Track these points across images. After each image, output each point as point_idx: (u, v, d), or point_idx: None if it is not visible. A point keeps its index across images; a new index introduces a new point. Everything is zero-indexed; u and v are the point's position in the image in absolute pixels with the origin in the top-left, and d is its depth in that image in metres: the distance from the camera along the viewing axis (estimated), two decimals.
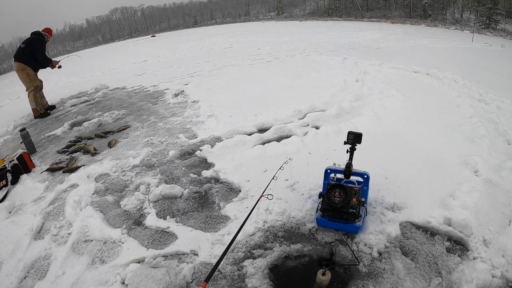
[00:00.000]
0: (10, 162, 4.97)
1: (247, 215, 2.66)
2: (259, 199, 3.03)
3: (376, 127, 5.19)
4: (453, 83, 7.66)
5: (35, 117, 8.73)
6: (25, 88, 8.63)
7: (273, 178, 3.35)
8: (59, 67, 8.94)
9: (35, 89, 8.57)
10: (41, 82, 8.74)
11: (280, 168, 3.51)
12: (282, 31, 29.16)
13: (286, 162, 3.62)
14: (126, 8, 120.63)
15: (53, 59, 8.84)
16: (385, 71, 8.98)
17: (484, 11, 36.87)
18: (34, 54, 8.29)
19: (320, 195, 3.16)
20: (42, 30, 8.72)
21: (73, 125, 7.38)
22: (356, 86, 7.50)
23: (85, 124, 7.19)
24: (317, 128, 5.29)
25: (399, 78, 8.20)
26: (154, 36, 67.96)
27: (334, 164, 3.58)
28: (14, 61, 8.31)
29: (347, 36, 20.37)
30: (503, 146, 4.73)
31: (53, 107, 9.22)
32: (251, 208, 2.82)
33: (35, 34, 8.54)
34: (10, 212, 4.23)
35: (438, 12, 43.96)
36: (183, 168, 4.56)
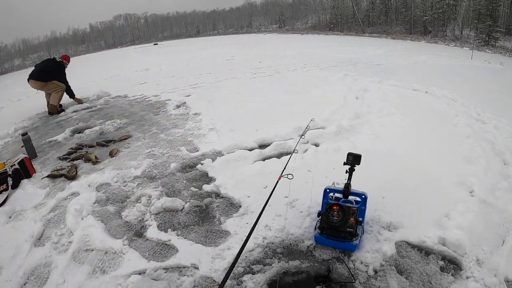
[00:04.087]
0: (12, 166, 4.97)
1: (266, 200, 2.78)
2: (278, 181, 3.07)
3: (375, 146, 5.26)
4: (452, 102, 7.74)
5: (50, 113, 9.30)
6: (53, 90, 9.31)
7: (293, 151, 3.51)
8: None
9: (63, 91, 9.38)
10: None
11: (302, 137, 3.65)
12: (284, 45, 29.30)
13: (308, 128, 3.66)
14: (129, 15, 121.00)
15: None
16: (385, 89, 9.06)
17: (483, 28, 37.12)
18: (56, 77, 9.26)
19: (319, 214, 3.23)
20: (61, 57, 9.61)
21: (74, 132, 7.41)
22: (355, 103, 7.57)
23: (87, 131, 7.22)
24: (316, 145, 5.37)
25: (398, 96, 8.28)
26: (157, 44, 68.00)
27: (333, 183, 3.66)
28: (36, 80, 9.11)
29: (347, 51, 20.48)
30: (498, 166, 4.82)
31: (62, 110, 9.53)
32: (271, 191, 2.91)
33: (54, 61, 9.50)
34: (10, 217, 4.25)
35: (438, 29, 44.21)
36: (184, 181, 4.61)
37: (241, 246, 2.14)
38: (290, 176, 3.04)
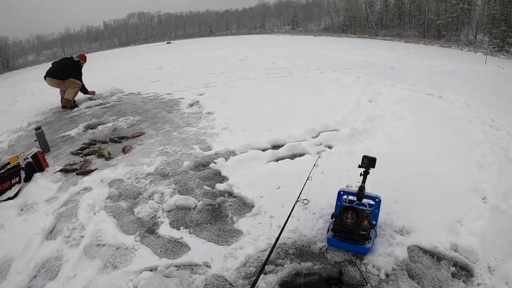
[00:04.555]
0: (25, 159, 5.04)
1: (283, 223, 2.81)
2: (294, 205, 3.09)
3: (388, 150, 5.22)
4: (465, 107, 7.65)
5: (64, 107, 9.53)
6: (69, 87, 9.60)
7: (308, 179, 3.43)
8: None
9: (79, 87, 9.69)
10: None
11: (314, 165, 3.59)
12: (297, 46, 29.21)
13: (320, 156, 3.68)
14: (143, 13, 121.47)
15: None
16: (398, 92, 8.99)
17: (498, 33, 36.61)
18: (72, 76, 9.57)
19: (333, 216, 3.22)
20: (78, 56, 9.97)
21: (87, 128, 7.50)
22: (369, 106, 7.53)
23: (100, 127, 7.30)
24: (330, 147, 5.34)
25: (411, 100, 8.22)
26: (170, 43, 68.34)
27: (347, 186, 3.65)
28: (53, 78, 9.44)
29: (361, 54, 20.35)
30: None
31: (76, 106, 9.68)
32: (288, 214, 2.94)
33: (72, 60, 9.86)
34: (22, 210, 4.31)
35: (452, 33, 43.74)
36: (197, 180, 4.63)
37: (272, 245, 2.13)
38: (305, 201, 3.17)
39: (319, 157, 3.73)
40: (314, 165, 3.61)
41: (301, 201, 3.12)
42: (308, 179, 3.43)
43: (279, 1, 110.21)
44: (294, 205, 3.10)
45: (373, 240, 3.13)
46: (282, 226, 2.78)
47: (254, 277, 2.27)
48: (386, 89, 9.28)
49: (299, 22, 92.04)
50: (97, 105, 9.55)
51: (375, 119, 6.59)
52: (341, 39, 44.07)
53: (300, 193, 3.26)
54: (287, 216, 2.94)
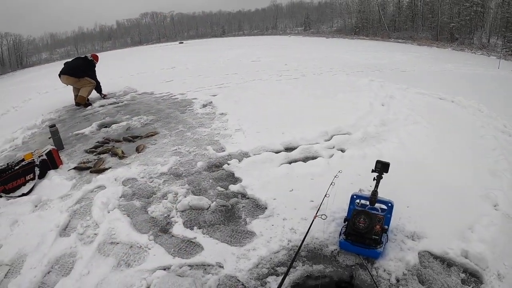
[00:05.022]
0: (39, 157, 5.13)
1: (303, 237, 2.90)
2: (313, 220, 3.13)
3: (401, 154, 5.20)
4: (478, 113, 7.58)
5: (78, 104, 9.72)
6: (84, 85, 9.83)
7: (325, 196, 3.44)
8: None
9: (93, 86, 9.93)
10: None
11: (331, 184, 3.59)
12: (309, 47, 29.20)
13: (337, 176, 3.70)
14: (156, 13, 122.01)
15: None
16: (411, 96, 8.93)
17: (511, 37, 36.19)
18: (87, 75, 9.83)
19: (345, 220, 3.24)
20: (91, 56, 10.24)
21: (101, 126, 7.60)
22: (382, 110, 7.49)
23: (114, 126, 7.38)
24: (342, 151, 5.33)
25: (424, 105, 8.16)
26: (182, 43, 68.68)
27: (360, 190, 3.66)
28: (70, 76, 9.64)
29: (373, 57, 20.26)
30: None
31: (89, 104, 9.84)
32: (307, 229, 3.03)
33: (86, 59, 10.12)
34: (36, 206, 4.39)
35: (465, 36, 43.32)
36: (210, 181, 4.66)
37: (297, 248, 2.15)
38: (323, 217, 3.15)
39: (335, 176, 3.73)
40: (331, 184, 3.61)
41: (320, 216, 3.14)
42: (325, 196, 3.45)
43: (292, 2, 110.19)
44: (313, 221, 3.13)
45: (385, 245, 3.14)
46: (303, 237, 2.88)
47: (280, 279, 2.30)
48: (399, 92, 9.23)
49: (311, 23, 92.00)
50: (111, 104, 9.64)
51: (388, 123, 6.56)
52: (353, 41, 43.91)
53: (318, 209, 3.29)
54: (306, 231, 3.01)
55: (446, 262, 3.11)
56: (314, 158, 5.15)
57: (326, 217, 3.15)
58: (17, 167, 4.90)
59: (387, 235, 3.19)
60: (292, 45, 34.16)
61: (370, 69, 14.12)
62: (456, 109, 7.98)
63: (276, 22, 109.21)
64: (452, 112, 7.69)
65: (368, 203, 3.30)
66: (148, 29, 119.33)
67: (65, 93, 11.04)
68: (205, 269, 3.11)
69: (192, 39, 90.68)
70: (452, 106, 8.23)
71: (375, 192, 3.26)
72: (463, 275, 2.98)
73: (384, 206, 3.26)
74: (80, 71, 9.68)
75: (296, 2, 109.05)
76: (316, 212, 3.22)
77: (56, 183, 4.93)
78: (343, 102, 8.14)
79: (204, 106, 8.50)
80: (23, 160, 5.07)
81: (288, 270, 2.41)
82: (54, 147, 5.63)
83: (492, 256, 3.10)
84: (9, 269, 3.36)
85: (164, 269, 3.12)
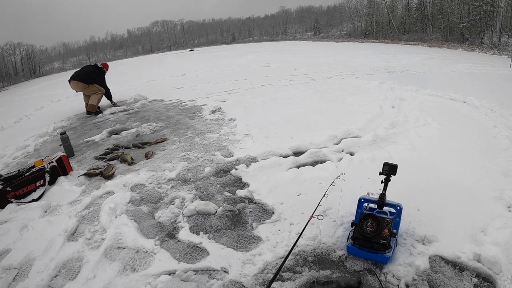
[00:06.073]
0: (49, 163, 5.19)
1: (297, 236, 2.84)
2: (308, 220, 3.09)
3: (411, 156, 5.13)
4: (490, 113, 7.47)
5: (89, 112, 9.85)
6: (94, 93, 9.96)
7: (324, 195, 3.42)
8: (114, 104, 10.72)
9: (102, 94, 10.06)
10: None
11: (331, 184, 3.57)
12: (319, 52, 29.17)
13: (338, 177, 3.66)
14: (166, 21, 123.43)
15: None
16: (422, 98, 8.85)
17: None
18: (97, 82, 9.96)
19: (353, 224, 3.17)
20: (101, 64, 10.48)
21: (111, 133, 7.65)
22: (392, 112, 7.42)
23: (123, 133, 7.43)
24: (351, 154, 5.27)
25: (435, 106, 8.07)
26: (193, 50, 69.27)
27: (368, 193, 3.60)
28: (79, 81, 9.77)
29: (383, 59, 20.19)
30: None
31: (100, 111, 9.94)
32: (302, 229, 2.99)
33: (96, 66, 10.36)
34: (45, 211, 4.44)
35: (475, 36, 42.92)
36: (218, 186, 4.64)
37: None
38: (320, 217, 3.12)
39: (337, 177, 3.69)
40: (332, 184, 3.59)
41: (316, 217, 3.09)
42: (324, 196, 3.42)
43: (301, 8, 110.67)
44: (308, 221, 3.10)
45: (394, 249, 3.06)
46: (299, 235, 2.81)
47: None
48: (409, 94, 9.16)
49: (321, 28, 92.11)
50: (121, 111, 9.74)
51: (398, 125, 6.50)
52: (363, 45, 43.86)
53: (315, 209, 3.25)
54: (301, 231, 2.97)
55: (458, 267, 3.02)
56: (322, 162, 5.09)
57: (323, 217, 3.09)
58: (27, 174, 4.95)
59: (396, 239, 3.11)
60: (302, 50, 34.24)
61: (380, 72, 14.07)
62: (468, 109, 7.88)
63: (286, 27, 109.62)
64: (464, 112, 7.60)
65: (376, 206, 3.23)
66: (158, 37, 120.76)
67: (77, 102, 11.17)
68: (210, 274, 3.08)
69: (202, 46, 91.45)
70: (463, 106, 8.13)
71: (383, 195, 3.19)
72: (475, 280, 2.88)
73: (393, 210, 3.19)
74: (90, 77, 9.79)
75: (305, 7, 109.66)
76: (313, 212, 3.18)
77: (66, 189, 4.97)
78: (353, 105, 8.09)
79: (213, 112, 8.52)
80: (33, 166, 5.13)
81: (277, 272, 2.38)
82: (64, 154, 5.69)
83: (506, 260, 3.01)
84: (17, 273, 3.40)
85: (169, 274, 3.10)
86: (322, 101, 8.78)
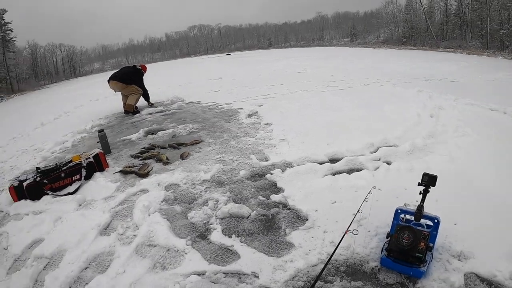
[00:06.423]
0: (87, 159, 5.40)
1: (332, 248, 2.88)
2: (343, 235, 3.03)
3: (449, 168, 4.94)
4: None
5: (126, 112, 10.17)
6: (132, 93, 10.27)
7: (358, 211, 3.36)
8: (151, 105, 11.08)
9: (140, 94, 10.32)
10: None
11: (364, 200, 3.50)
12: (356, 58, 28.82)
13: (370, 192, 3.59)
14: (203, 26, 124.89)
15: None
16: (461, 108, 8.56)
17: None
18: (135, 83, 10.27)
19: (388, 235, 3.10)
20: (140, 66, 10.80)
21: (148, 133, 7.85)
22: (430, 121, 7.22)
23: (160, 133, 7.59)
24: (388, 163, 5.13)
25: (474, 116, 7.79)
26: (229, 54, 69.88)
27: (405, 204, 3.51)
28: (118, 81, 10.13)
29: (421, 66, 19.70)
30: None
31: (137, 112, 10.24)
32: (337, 244, 2.93)
33: (134, 67, 10.68)
34: (80, 205, 4.62)
35: None
36: (252, 189, 4.63)
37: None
38: (355, 232, 3.04)
39: (369, 193, 3.61)
40: (365, 199, 3.51)
41: (351, 231, 3.02)
42: (358, 211, 3.36)
43: (337, 13, 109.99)
44: (343, 236, 3.03)
45: (429, 264, 2.95)
46: (334, 248, 2.78)
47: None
48: (448, 103, 8.90)
49: (357, 34, 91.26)
50: (158, 112, 9.94)
51: (436, 135, 6.32)
52: (400, 52, 42.98)
53: (350, 224, 3.18)
54: (336, 245, 2.93)
55: (494, 286, 2.87)
56: (358, 170, 4.99)
57: (358, 232, 3.03)
58: (64, 168, 5.17)
59: (431, 254, 3.01)
60: (339, 56, 33.86)
61: (418, 80, 13.75)
62: (508, 120, 7.59)
63: (322, 33, 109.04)
64: (504, 123, 7.30)
65: (413, 218, 3.14)
66: (196, 41, 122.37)
67: (115, 101, 11.47)
68: (240, 278, 3.07)
69: (239, 51, 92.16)
70: (504, 117, 7.81)
71: (420, 207, 3.09)
72: None
73: (430, 222, 3.08)
74: (128, 78, 10.07)
75: (342, 12, 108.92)
76: (348, 227, 3.10)
77: (101, 185, 5.14)
78: (390, 113, 7.93)
79: (250, 116, 8.54)
80: (71, 161, 5.35)
81: (315, 282, 2.34)
82: (101, 150, 5.86)
83: None
84: (48, 262, 3.53)
85: (199, 275, 3.11)
86: (359, 108, 8.65)
